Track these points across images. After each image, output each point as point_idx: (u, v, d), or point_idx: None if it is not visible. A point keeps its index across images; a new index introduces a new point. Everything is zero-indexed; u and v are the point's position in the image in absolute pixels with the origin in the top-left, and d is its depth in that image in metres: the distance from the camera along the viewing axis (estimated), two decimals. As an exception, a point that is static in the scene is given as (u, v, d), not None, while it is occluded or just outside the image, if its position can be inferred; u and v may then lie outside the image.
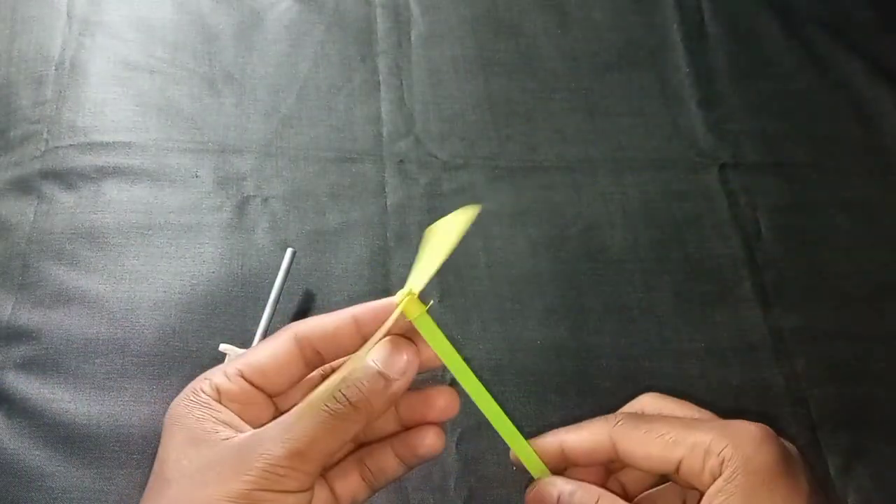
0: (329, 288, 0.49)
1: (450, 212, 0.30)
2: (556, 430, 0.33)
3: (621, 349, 0.48)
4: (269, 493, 0.25)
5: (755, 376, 0.48)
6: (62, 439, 0.43)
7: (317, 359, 0.31)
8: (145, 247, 0.49)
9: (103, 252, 0.49)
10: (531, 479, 0.33)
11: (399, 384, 0.29)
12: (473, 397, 0.31)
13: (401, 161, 0.54)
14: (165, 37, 0.58)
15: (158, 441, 0.29)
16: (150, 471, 0.28)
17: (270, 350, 0.30)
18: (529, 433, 0.32)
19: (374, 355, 0.29)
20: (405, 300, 0.28)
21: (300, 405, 0.28)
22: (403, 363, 0.29)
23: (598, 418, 0.32)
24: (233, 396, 0.29)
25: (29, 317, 0.46)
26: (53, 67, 0.55)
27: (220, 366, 0.30)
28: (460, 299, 0.49)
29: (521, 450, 0.32)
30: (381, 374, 0.28)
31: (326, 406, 0.27)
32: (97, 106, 0.54)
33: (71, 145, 0.52)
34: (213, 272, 0.49)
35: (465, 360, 0.30)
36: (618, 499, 0.30)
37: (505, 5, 0.62)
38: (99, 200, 0.51)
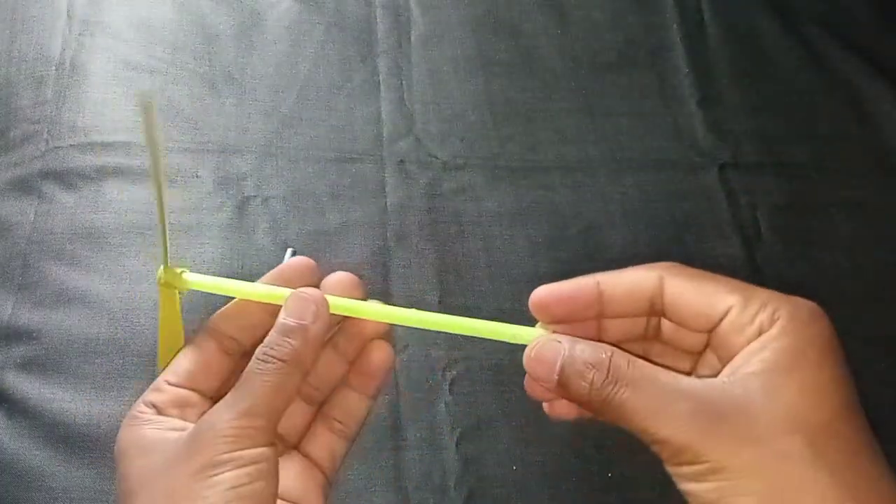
0: (329, 288, 0.49)
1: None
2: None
3: (621, 349, 0.48)
4: (228, 454, 0.26)
5: (755, 376, 0.48)
6: (62, 439, 0.43)
7: (237, 347, 0.32)
8: (145, 247, 0.49)
9: (103, 252, 0.49)
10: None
11: (315, 328, 0.29)
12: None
13: (401, 161, 0.54)
14: (165, 37, 0.58)
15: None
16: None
17: (190, 352, 0.32)
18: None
19: (284, 313, 0.30)
20: (162, 278, 0.33)
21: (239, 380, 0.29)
22: (313, 309, 0.30)
23: (635, 267, 0.29)
24: (170, 404, 0.30)
25: (29, 317, 0.46)
26: (53, 67, 0.55)
27: (151, 386, 0.31)
28: (460, 299, 0.49)
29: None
30: (294, 326, 0.29)
31: (259, 369, 0.28)
32: (97, 106, 0.54)
33: (71, 145, 0.52)
34: (213, 272, 0.49)
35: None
36: (633, 357, 0.26)
37: (505, 5, 0.62)
38: (99, 200, 0.51)
